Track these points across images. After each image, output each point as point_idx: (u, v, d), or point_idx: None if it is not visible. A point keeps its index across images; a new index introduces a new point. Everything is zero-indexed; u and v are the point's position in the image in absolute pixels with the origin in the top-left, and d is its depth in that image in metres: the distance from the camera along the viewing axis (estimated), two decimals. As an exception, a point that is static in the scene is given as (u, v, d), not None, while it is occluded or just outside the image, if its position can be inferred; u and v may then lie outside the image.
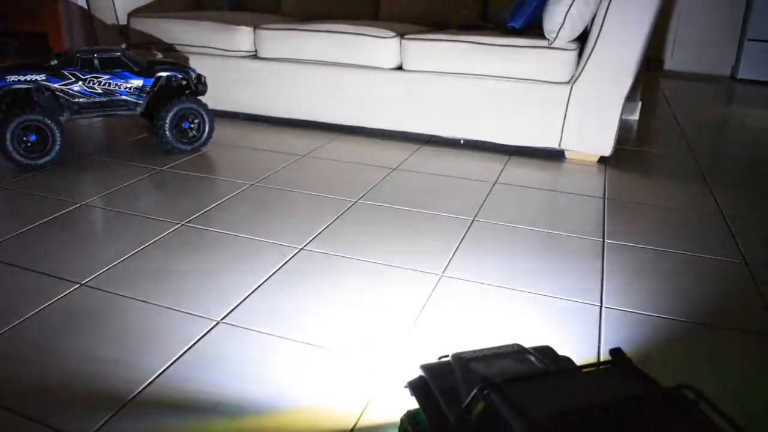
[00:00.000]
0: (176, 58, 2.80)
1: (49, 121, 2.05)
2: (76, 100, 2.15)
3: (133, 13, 2.92)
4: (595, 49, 2.14)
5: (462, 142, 2.58)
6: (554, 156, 2.40)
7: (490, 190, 2.01)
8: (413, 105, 2.46)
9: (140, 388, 1.02)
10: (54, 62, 2.13)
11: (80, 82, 2.13)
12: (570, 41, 2.19)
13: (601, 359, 1.14)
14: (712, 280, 1.44)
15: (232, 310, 1.26)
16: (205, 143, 2.36)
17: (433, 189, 2.00)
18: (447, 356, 0.80)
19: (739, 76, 4.43)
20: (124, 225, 1.67)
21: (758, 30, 4.28)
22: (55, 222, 1.68)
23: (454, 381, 0.74)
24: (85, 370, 1.07)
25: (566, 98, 2.23)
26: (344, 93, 2.57)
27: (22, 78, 2.06)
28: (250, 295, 1.32)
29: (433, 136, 2.64)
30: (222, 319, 1.23)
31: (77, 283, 1.36)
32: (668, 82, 4.29)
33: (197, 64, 2.77)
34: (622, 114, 2.20)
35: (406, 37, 2.42)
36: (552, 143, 2.31)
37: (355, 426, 0.95)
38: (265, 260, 1.48)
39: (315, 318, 1.24)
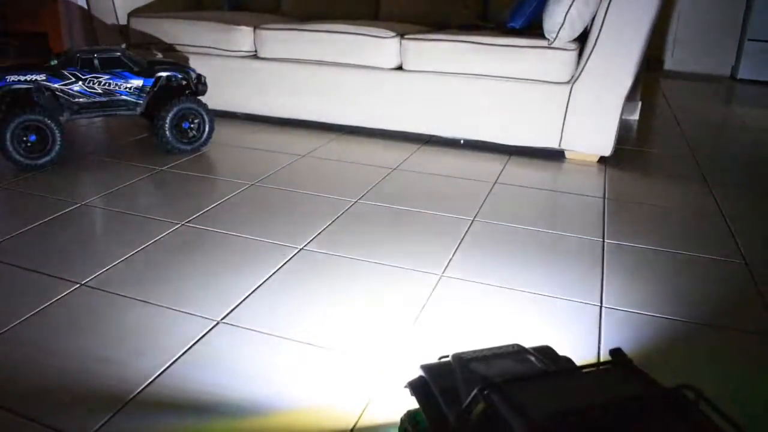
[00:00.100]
0: (176, 58, 2.80)
1: (49, 121, 2.05)
2: (76, 100, 2.15)
3: (133, 13, 2.92)
4: (595, 49, 2.14)
5: (462, 142, 2.58)
6: (554, 156, 2.40)
7: (490, 190, 2.01)
8: (413, 105, 2.46)
9: (140, 388, 1.02)
10: (54, 62, 2.13)
11: (80, 82, 2.13)
12: (570, 41, 2.19)
13: (601, 359, 1.14)
14: (712, 280, 1.44)
15: (232, 310, 1.26)
16: (205, 143, 2.36)
17: (433, 189, 2.00)
18: (447, 356, 0.80)
19: (739, 76, 4.43)
20: (124, 225, 1.67)
21: (758, 30, 4.28)
22: (55, 222, 1.68)
23: (454, 381, 0.74)
24: (85, 370, 1.07)
25: (566, 98, 2.23)
26: (344, 93, 2.57)
27: (22, 78, 2.06)
28: (250, 295, 1.32)
29: (433, 136, 2.64)
30: (222, 319, 1.23)
31: (77, 283, 1.36)
32: (668, 82, 4.29)
33: (197, 64, 2.77)
34: (622, 114, 2.20)
35: (406, 37, 2.42)
36: (552, 143, 2.31)
37: (355, 426, 0.95)
38: (265, 260, 1.48)
39: (315, 318, 1.24)
